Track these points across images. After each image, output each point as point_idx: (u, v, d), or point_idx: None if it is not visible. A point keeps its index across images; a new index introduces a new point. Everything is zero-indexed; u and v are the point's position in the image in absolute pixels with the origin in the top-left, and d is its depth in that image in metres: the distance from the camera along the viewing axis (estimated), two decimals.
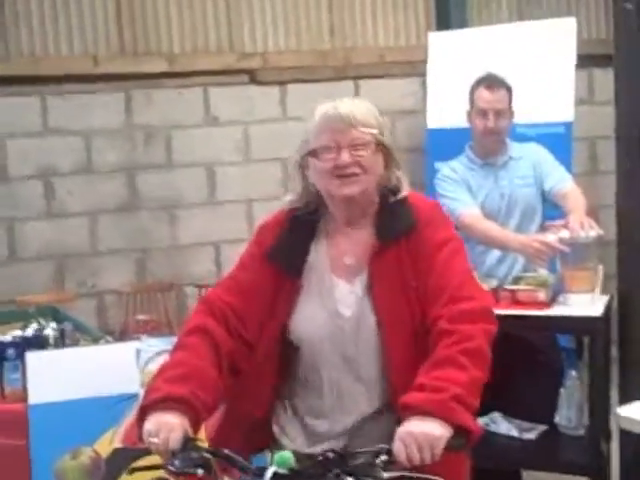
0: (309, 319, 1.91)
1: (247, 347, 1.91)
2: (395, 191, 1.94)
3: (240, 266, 1.99)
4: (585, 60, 4.93)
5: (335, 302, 1.90)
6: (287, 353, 1.94)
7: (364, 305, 1.88)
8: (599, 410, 2.78)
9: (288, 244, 1.94)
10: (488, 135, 3.30)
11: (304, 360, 1.93)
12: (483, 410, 3.01)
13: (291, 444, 1.93)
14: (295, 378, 1.97)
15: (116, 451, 2.69)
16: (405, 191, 1.94)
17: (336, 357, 1.90)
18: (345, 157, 1.85)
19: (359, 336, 1.88)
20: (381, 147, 1.89)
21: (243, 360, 1.91)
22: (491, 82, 3.32)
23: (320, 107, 1.90)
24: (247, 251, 2.01)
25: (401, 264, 1.87)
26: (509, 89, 3.34)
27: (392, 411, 1.83)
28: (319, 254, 1.95)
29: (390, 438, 1.68)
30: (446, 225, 1.94)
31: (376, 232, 1.91)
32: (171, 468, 1.66)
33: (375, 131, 1.87)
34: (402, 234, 1.88)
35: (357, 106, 1.88)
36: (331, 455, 1.62)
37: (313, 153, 1.89)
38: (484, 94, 3.30)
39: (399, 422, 1.68)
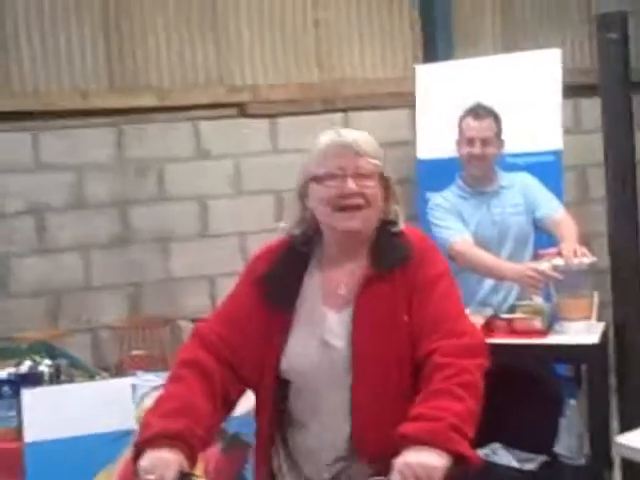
0: (300, 353, 1.88)
1: (239, 379, 1.89)
2: (392, 224, 1.93)
3: (231, 297, 1.97)
4: (571, 90, 4.98)
5: (325, 333, 1.87)
6: (283, 390, 1.91)
7: (350, 335, 1.85)
8: (599, 439, 2.77)
9: (281, 274, 1.92)
10: (474, 162, 3.33)
11: (299, 397, 1.90)
12: (483, 441, 3.04)
13: None
14: (291, 418, 1.93)
15: None
16: (402, 224, 1.93)
17: (331, 389, 1.86)
18: (351, 185, 1.83)
19: (349, 369, 1.84)
20: (382, 179, 1.89)
21: (236, 392, 1.89)
22: (478, 111, 3.36)
23: (324, 134, 1.90)
24: (238, 283, 1.98)
25: (394, 297, 1.85)
26: (497, 118, 3.37)
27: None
28: (312, 285, 1.93)
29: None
30: (439, 259, 1.93)
31: (370, 263, 1.89)
32: None
33: (378, 162, 1.87)
34: (396, 266, 1.86)
35: (361, 135, 1.88)
36: None
37: (316, 179, 1.86)
38: (471, 123, 3.35)
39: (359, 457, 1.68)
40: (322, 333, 1.88)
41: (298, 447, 1.92)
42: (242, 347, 1.88)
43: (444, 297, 1.85)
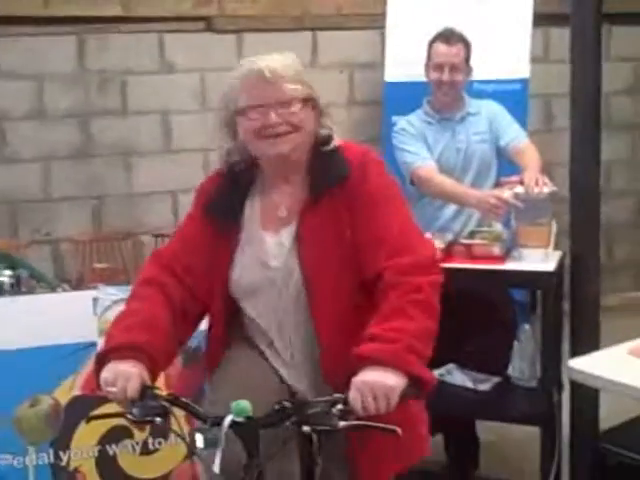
0: (243, 272, 1.93)
1: (199, 300, 1.94)
2: (326, 142, 1.92)
3: (185, 222, 2.02)
4: (541, 19, 4.95)
5: (263, 254, 1.92)
6: (234, 309, 1.98)
7: (291, 256, 1.89)
8: (551, 363, 2.85)
9: (224, 199, 1.95)
10: (443, 88, 3.32)
11: (247, 312, 1.97)
12: (439, 362, 3.11)
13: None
14: (242, 333, 2.00)
15: (75, 399, 2.69)
16: (336, 141, 1.93)
17: (275, 309, 1.92)
18: (272, 117, 1.83)
19: (288, 286, 1.90)
20: (309, 102, 1.87)
21: (196, 311, 1.95)
22: (448, 36, 3.33)
23: (242, 63, 1.87)
24: (192, 205, 2.02)
25: (335, 215, 1.86)
26: (467, 44, 3.35)
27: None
28: (253, 208, 1.96)
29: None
30: (381, 172, 1.92)
31: (309, 184, 1.90)
32: (129, 417, 1.68)
33: (299, 86, 1.85)
34: (335, 185, 1.87)
35: (280, 62, 1.85)
36: (288, 404, 1.65)
37: (239, 112, 1.86)
38: (441, 48, 3.32)
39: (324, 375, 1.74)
40: (260, 255, 1.92)
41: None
42: (197, 268, 1.93)
43: (386, 212, 1.85)
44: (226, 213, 1.94)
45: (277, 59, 1.86)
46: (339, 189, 1.87)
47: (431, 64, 3.34)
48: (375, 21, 5.28)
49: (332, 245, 1.85)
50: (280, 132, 1.84)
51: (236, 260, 1.93)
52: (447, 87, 3.31)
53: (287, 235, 1.91)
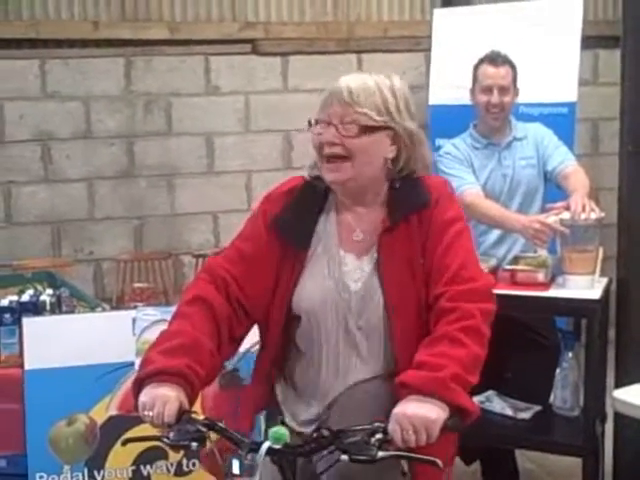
0: (314, 290, 1.89)
1: (247, 318, 1.90)
2: (409, 171, 1.90)
3: (243, 236, 1.97)
4: (590, 41, 4.89)
5: (343, 275, 1.89)
6: (290, 327, 1.93)
7: (372, 281, 1.87)
8: (595, 392, 2.78)
9: (296, 213, 1.92)
10: (492, 111, 3.27)
11: (306, 333, 1.92)
12: (479, 388, 3.05)
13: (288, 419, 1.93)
14: (295, 353, 1.96)
15: (111, 418, 2.70)
16: (421, 171, 1.91)
17: (339, 331, 1.89)
18: (331, 133, 1.81)
19: (364, 311, 1.87)
20: (385, 130, 1.83)
21: (242, 330, 1.91)
22: (494, 58, 3.29)
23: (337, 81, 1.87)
24: (250, 220, 1.98)
25: (410, 241, 1.85)
26: (513, 66, 3.31)
27: (385, 383, 1.84)
28: (328, 226, 1.93)
29: (377, 409, 1.71)
30: (454, 203, 1.92)
31: (387, 210, 1.88)
32: (166, 441, 1.66)
33: (373, 113, 1.81)
34: (414, 212, 1.86)
35: (360, 83, 1.82)
36: (326, 432, 1.62)
37: (311, 125, 1.86)
38: (488, 70, 3.27)
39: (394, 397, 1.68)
40: (340, 275, 1.89)
41: (304, 382, 1.94)
42: (252, 285, 1.89)
43: (454, 242, 1.84)
44: (296, 229, 1.91)
45: (363, 80, 1.83)
46: (417, 216, 1.87)
47: (478, 87, 3.29)
48: (420, 44, 5.28)
49: (408, 270, 1.84)
50: (335, 154, 1.82)
51: (305, 279, 1.90)
52: (497, 110, 3.26)
53: (368, 260, 1.89)
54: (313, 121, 1.85)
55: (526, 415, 3.01)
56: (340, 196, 1.93)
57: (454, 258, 1.82)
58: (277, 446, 1.59)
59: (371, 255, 1.89)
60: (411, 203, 1.87)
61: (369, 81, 1.84)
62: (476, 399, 2.98)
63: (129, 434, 2.46)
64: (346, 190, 1.89)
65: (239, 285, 1.88)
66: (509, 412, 3.02)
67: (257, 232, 1.93)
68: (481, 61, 3.32)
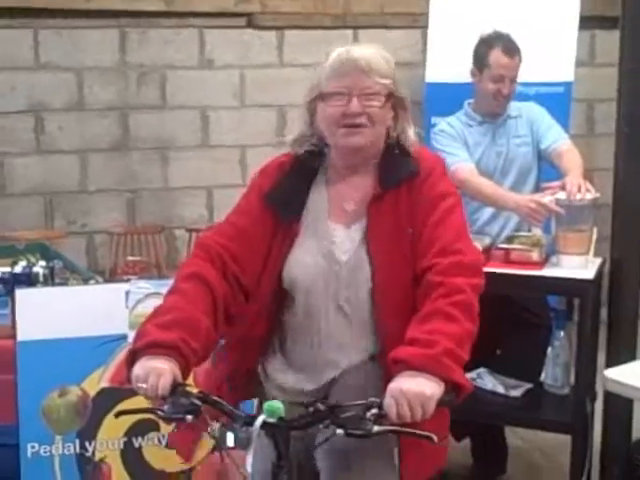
0: (304, 263, 1.89)
1: (243, 294, 1.90)
2: (401, 142, 1.92)
3: (237, 211, 1.97)
4: (588, 22, 4.87)
5: (332, 246, 1.90)
6: (281, 302, 1.94)
7: (360, 251, 1.87)
8: (585, 371, 2.80)
9: (287, 187, 1.93)
10: (500, 99, 3.25)
11: (298, 306, 1.92)
12: (470, 365, 3.06)
13: (280, 392, 1.93)
14: (288, 328, 1.96)
15: (103, 390, 2.70)
16: (412, 143, 1.92)
17: (330, 302, 1.89)
18: (355, 106, 1.83)
19: (354, 282, 1.87)
20: (393, 99, 1.87)
21: (238, 307, 1.90)
22: (508, 47, 3.23)
23: (335, 50, 1.87)
24: (245, 195, 1.99)
25: (398, 210, 1.86)
26: (520, 55, 3.28)
27: (377, 362, 1.85)
28: (318, 199, 1.94)
29: (371, 389, 1.71)
30: (446, 178, 1.93)
31: (377, 179, 1.90)
32: (160, 414, 1.66)
33: (388, 82, 1.85)
34: (403, 181, 1.87)
35: (372, 53, 1.85)
36: (321, 407, 1.62)
37: (323, 97, 1.86)
38: (503, 60, 3.22)
39: (384, 374, 1.69)
40: (328, 246, 1.90)
41: (295, 356, 1.95)
42: (246, 259, 1.89)
43: (444, 216, 1.85)
44: (289, 203, 1.92)
45: (371, 52, 1.86)
46: (406, 187, 1.88)
47: (489, 74, 3.23)
48: (417, 20, 5.25)
49: (396, 239, 1.85)
50: (358, 123, 1.84)
51: (296, 251, 1.91)
52: (505, 99, 3.25)
53: (357, 230, 1.89)
54: (327, 93, 1.85)
55: (517, 393, 3.03)
56: (341, 164, 1.94)
57: (445, 231, 1.82)
58: (272, 420, 1.60)
59: (359, 224, 1.89)
60: (401, 171, 1.89)
61: (375, 51, 1.87)
62: (468, 376, 2.98)
63: (121, 406, 2.46)
64: (355, 156, 1.90)
65: (235, 261, 1.88)
66: (500, 389, 3.04)
67: (251, 206, 1.94)
68: (491, 46, 3.25)
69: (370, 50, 1.87)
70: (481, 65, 3.27)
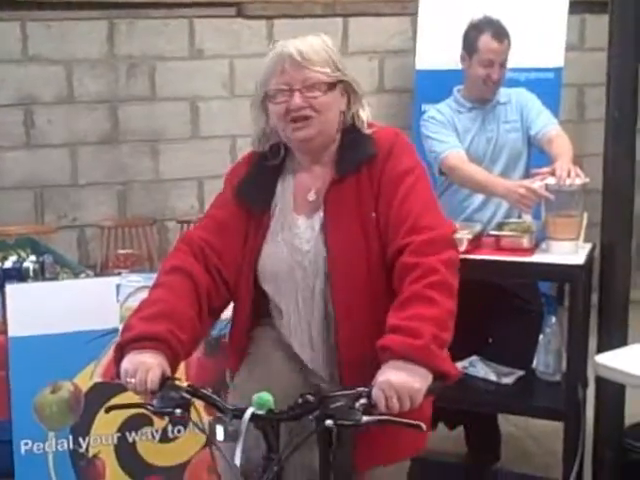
0: (271, 256, 1.92)
1: (225, 286, 1.92)
2: (356, 125, 1.92)
3: (216, 205, 2.00)
4: (578, 6, 4.86)
5: (294, 237, 1.91)
6: (260, 294, 1.96)
7: (319, 240, 1.88)
8: (577, 357, 2.80)
9: (255, 182, 1.95)
10: (489, 85, 3.25)
11: (274, 299, 1.95)
12: (462, 354, 3.07)
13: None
14: (268, 319, 1.98)
15: (96, 385, 2.70)
16: (367, 125, 1.93)
17: (299, 294, 1.91)
18: (297, 100, 1.83)
19: (316, 271, 1.88)
20: (339, 85, 1.87)
21: (221, 300, 1.92)
22: (498, 32, 3.23)
23: (274, 46, 1.87)
24: (222, 189, 2.02)
25: (360, 195, 1.87)
26: (510, 39, 3.28)
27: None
28: (284, 191, 1.96)
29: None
30: (408, 154, 1.92)
31: (334, 166, 1.91)
32: (149, 408, 1.66)
33: (327, 69, 1.85)
34: (361, 164, 1.88)
35: (308, 45, 1.85)
36: (311, 398, 1.62)
37: (268, 97, 1.87)
38: (492, 45, 3.21)
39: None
40: (292, 238, 1.92)
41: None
42: (226, 251, 1.91)
43: (409, 192, 1.84)
44: (257, 196, 1.94)
45: (308, 42, 1.85)
46: (366, 169, 1.88)
47: (478, 59, 3.23)
48: (407, 8, 5.23)
49: (358, 225, 1.85)
50: (304, 116, 1.84)
51: (267, 244, 1.93)
52: (495, 84, 3.24)
53: (317, 219, 1.91)
54: (271, 92, 1.85)
55: (509, 380, 3.03)
56: (300, 156, 1.95)
57: (411, 208, 1.82)
58: (261, 412, 1.60)
59: (319, 213, 1.90)
60: (358, 156, 1.89)
61: (312, 40, 1.86)
62: (460, 364, 3.00)
63: (114, 401, 2.45)
64: (311, 147, 1.91)
65: (217, 254, 1.90)
66: (492, 377, 3.04)
67: (226, 201, 1.97)
68: (480, 30, 3.25)
69: (305, 41, 1.86)
70: (470, 50, 3.27)
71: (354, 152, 1.90)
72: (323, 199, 1.89)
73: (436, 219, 1.83)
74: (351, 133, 1.92)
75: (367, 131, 1.92)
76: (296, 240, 1.91)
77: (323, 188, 1.91)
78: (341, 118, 1.91)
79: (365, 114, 1.94)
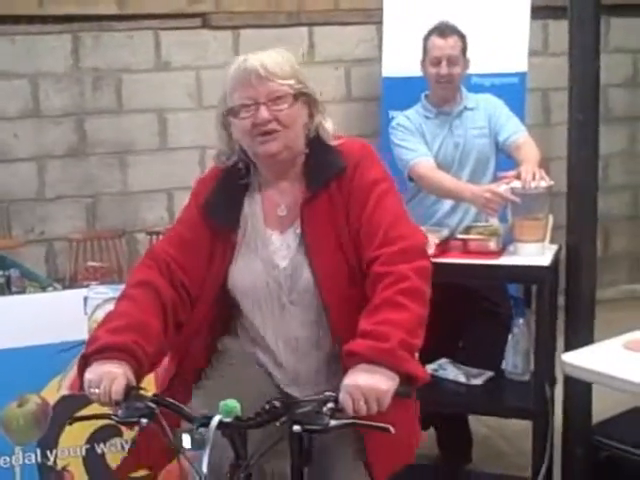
0: (245, 272, 1.91)
1: (190, 301, 1.91)
2: (321, 137, 1.92)
3: (181, 220, 1.99)
4: (540, 12, 4.92)
5: (270, 254, 1.91)
6: (226, 309, 1.96)
7: (299, 256, 1.88)
8: (544, 357, 2.82)
9: (222, 198, 1.92)
10: (441, 82, 3.28)
11: (245, 313, 1.95)
12: (432, 357, 3.09)
13: None
14: (236, 333, 1.99)
15: (63, 398, 2.66)
16: (332, 137, 1.92)
17: (274, 309, 1.91)
18: (263, 114, 1.81)
19: (295, 287, 1.89)
20: (302, 97, 1.86)
21: (186, 314, 1.91)
22: (443, 30, 3.30)
23: (234, 61, 1.85)
24: (187, 205, 2.00)
25: (333, 210, 1.86)
26: (462, 36, 3.32)
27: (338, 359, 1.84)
28: (252, 207, 1.95)
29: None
30: (376, 165, 1.92)
31: (305, 181, 1.89)
32: (114, 418, 1.65)
33: (292, 82, 1.84)
34: (331, 179, 1.87)
35: (270, 57, 1.83)
36: (277, 404, 1.61)
37: (232, 112, 1.85)
38: (436, 41, 3.28)
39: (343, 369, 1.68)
40: (267, 254, 1.91)
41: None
42: (190, 266, 1.90)
43: (378, 204, 1.84)
44: (224, 213, 1.92)
45: (269, 55, 1.84)
46: (336, 183, 1.87)
47: (428, 58, 3.30)
48: (371, 16, 5.26)
49: (334, 239, 1.85)
50: (271, 129, 1.83)
51: (238, 260, 1.92)
52: (445, 81, 3.27)
53: (292, 234, 1.90)
54: (235, 108, 1.83)
55: (478, 381, 3.06)
56: (266, 171, 1.94)
57: (381, 220, 1.82)
58: (228, 419, 1.59)
59: (294, 229, 1.90)
60: (327, 170, 1.88)
61: (273, 54, 1.85)
62: (429, 367, 3.02)
63: (81, 413, 2.43)
64: (277, 162, 1.89)
65: (181, 268, 1.90)
66: (462, 379, 3.06)
67: (191, 216, 1.95)
68: (430, 33, 3.33)
69: (267, 54, 1.84)
70: (424, 54, 3.34)
71: (323, 167, 1.88)
72: (300, 217, 1.88)
73: (407, 229, 1.84)
74: (317, 146, 1.91)
75: (333, 143, 1.91)
76: (271, 256, 1.90)
77: (294, 203, 1.90)
78: (305, 131, 1.90)
79: (329, 125, 1.93)
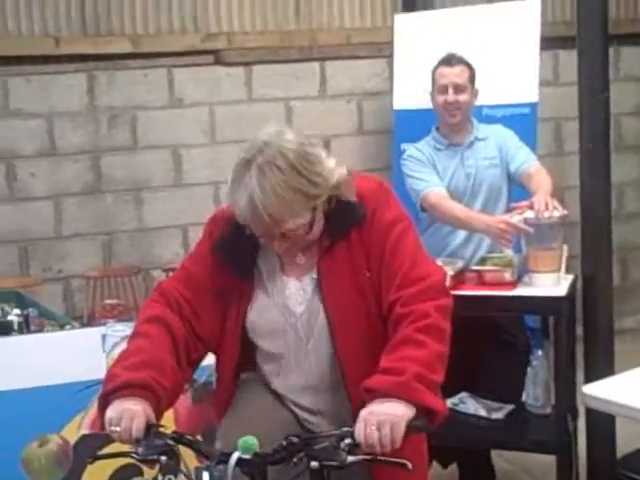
0: (264, 315, 1.91)
1: (200, 340, 1.91)
2: (345, 195, 1.87)
3: (192, 258, 1.98)
4: (550, 42, 4.95)
5: (285, 300, 1.91)
6: (248, 349, 1.97)
7: (314, 302, 1.89)
8: (565, 389, 2.81)
9: (236, 245, 1.89)
10: (449, 109, 3.30)
11: (265, 356, 1.97)
12: (452, 391, 3.07)
13: None
14: (255, 365, 2.00)
15: (84, 437, 2.66)
16: (350, 192, 1.87)
17: (291, 354, 1.92)
18: (281, 247, 1.82)
19: (312, 332, 1.89)
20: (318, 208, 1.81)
21: (197, 352, 1.92)
22: (449, 59, 3.35)
23: (236, 191, 1.75)
24: (199, 242, 1.98)
25: (353, 257, 1.86)
26: (469, 66, 3.35)
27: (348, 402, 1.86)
28: (269, 255, 1.93)
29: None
30: (393, 206, 1.91)
31: (326, 231, 1.87)
32: (134, 456, 1.65)
33: (305, 220, 1.78)
34: (351, 228, 1.87)
35: (273, 197, 1.70)
36: (295, 440, 1.61)
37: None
38: (443, 70, 3.33)
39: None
40: (283, 300, 1.91)
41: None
42: (202, 308, 1.90)
43: (397, 246, 1.84)
44: (239, 260, 1.90)
45: (270, 193, 1.70)
46: (355, 230, 1.87)
47: (436, 88, 3.34)
48: (382, 50, 5.30)
49: (352, 287, 1.85)
50: (290, 247, 1.84)
51: (255, 302, 1.92)
52: (452, 108, 3.30)
53: (308, 281, 1.90)
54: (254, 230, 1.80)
55: (499, 415, 3.04)
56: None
57: (401, 261, 1.82)
58: (247, 456, 1.59)
59: (311, 276, 1.90)
60: (347, 220, 1.86)
61: (279, 190, 1.71)
62: (449, 401, 3.00)
63: (103, 452, 2.43)
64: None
65: (191, 308, 1.90)
66: (483, 413, 3.04)
67: (203, 255, 1.94)
68: (438, 64, 3.37)
69: (268, 192, 1.70)
70: (432, 84, 3.37)
71: (344, 216, 1.86)
72: (317, 263, 1.88)
73: (425, 269, 1.84)
74: (337, 203, 1.85)
75: (353, 198, 1.86)
76: (287, 301, 1.91)
77: (311, 251, 1.90)
78: (324, 210, 1.84)
79: (347, 188, 1.86)
